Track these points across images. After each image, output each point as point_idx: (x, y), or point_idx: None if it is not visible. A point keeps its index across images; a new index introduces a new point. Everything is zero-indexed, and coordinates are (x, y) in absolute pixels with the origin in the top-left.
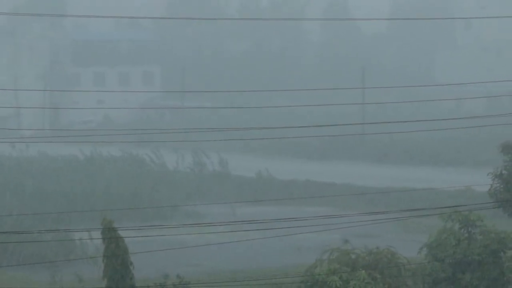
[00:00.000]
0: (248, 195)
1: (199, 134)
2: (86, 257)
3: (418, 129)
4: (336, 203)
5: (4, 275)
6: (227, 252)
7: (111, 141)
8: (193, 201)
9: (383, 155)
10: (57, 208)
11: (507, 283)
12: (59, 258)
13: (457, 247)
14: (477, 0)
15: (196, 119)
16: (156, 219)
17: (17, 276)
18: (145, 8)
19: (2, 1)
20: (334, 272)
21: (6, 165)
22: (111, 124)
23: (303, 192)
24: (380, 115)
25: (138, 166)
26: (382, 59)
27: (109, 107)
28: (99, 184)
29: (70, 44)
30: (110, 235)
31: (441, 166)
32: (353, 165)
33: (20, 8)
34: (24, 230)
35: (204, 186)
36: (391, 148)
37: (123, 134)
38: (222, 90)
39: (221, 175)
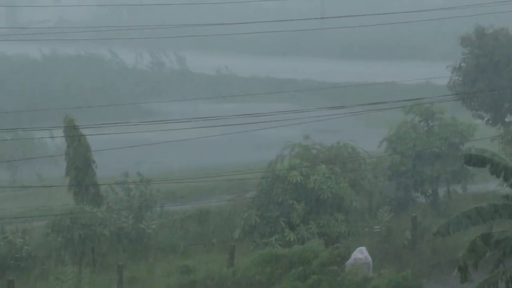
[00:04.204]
0: (208, 93)
1: (157, 31)
2: (47, 156)
3: (378, 23)
4: (297, 99)
5: None
6: (188, 150)
7: (70, 39)
8: (153, 99)
9: (343, 50)
10: (16, 107)
11: (467, 175)
12: (19, 157)
13: (417, 140)
14: None
15: (154, 16)
16: (117, 117)
17: None
18: None
19: None
20: (295, 167)
21: None
22: (68, 24)
23: (263, 88)
24: (340, 9)
25: (97, 65)
26: None
27: (66, 5)
28: (59, 83)
29: None
30: (72, 133)
31: (401, 60)
32: (313, 61)
33: None
34: None
35: (163, 84)
36: (351, 43)
37: (81, 32)
38: None
39: (180, 73)
